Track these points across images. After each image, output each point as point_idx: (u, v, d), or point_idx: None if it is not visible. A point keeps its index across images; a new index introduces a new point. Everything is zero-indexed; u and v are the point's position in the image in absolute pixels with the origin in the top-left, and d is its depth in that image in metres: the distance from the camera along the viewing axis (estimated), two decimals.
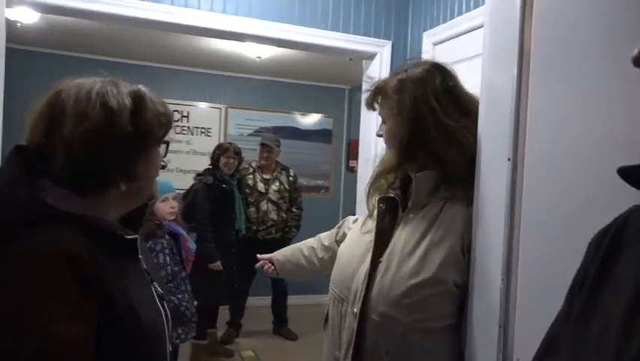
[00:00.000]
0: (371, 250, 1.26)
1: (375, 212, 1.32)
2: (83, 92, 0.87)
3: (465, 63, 2.08)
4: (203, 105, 5.44)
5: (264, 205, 4.33)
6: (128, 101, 0.90)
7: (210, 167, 4.08)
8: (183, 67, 5.16)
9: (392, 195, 1.31)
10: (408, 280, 1.16)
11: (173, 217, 2.89)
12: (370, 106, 1.34)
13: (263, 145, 4.41)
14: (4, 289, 0.74)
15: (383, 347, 1.19)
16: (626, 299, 0.51)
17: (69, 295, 0.77)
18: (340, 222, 1.66)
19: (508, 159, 1.10)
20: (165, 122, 0.97)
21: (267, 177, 4.42)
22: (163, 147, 1.01)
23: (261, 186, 4.36)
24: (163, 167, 1.03)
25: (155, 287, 1.01)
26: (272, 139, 4.50)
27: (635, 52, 0.50)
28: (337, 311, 1.32)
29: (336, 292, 1.33)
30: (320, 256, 1.64)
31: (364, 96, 1.34)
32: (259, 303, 4.73)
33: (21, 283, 0.75)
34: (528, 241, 1.05)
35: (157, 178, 1.03)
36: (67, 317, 0.75)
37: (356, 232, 1.39)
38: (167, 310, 1.02)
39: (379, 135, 1.35)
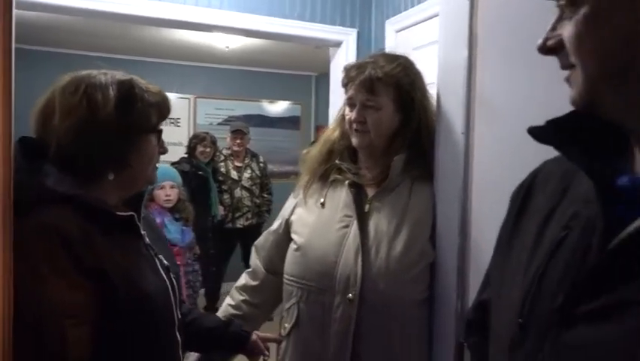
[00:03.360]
0: (348, 235, 1.28)
1: (338, 196, 1.36)
2: (72, 87, 0.95)
3: (423, 49, 2.23)
4: (171, 96, 5.40)
5: (237, 192, 4.44)
6: (113, 94, 0.95)
7: (186, 155, 4.21)
8: (152, 58, 5.14)
9: (356, 181, 1.36)
10: (404, 255, 1.25)
11: (169, 205, 2.99)
12: (371, 91, 1.30)
13: (235, 132, 4.51)
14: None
15: (386, 327, 1.25)
16: (529, 245, 0.63)
17: (61, 267, 0.83)
18: (252, 257, 1.56)
19: (462, 133, 1.25)
20: (157, 112, 1.01)
21: (238, 164, 4.52)
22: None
23: (234, 174, 4.47)
24: (162, 152, 1.07)
25: (160, 260, 1.06)
26: (243, 126, 4.62)
27: (539, 42, 0.62)
28: (317, 304, 1.29)
29: (313, 284, 1.30)
30: (256, 301, 1.51)
31: (361, 78, 1.30)
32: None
33: (22, 255, 0.80)
34: (480, 203, 1.21)
35: (158, 165, 1.06)
36: (60, 285, 0.82)
37: (310, 223, 1.37)
38: (174, 281, 1.07)
39: (359, 122, 1.32)
